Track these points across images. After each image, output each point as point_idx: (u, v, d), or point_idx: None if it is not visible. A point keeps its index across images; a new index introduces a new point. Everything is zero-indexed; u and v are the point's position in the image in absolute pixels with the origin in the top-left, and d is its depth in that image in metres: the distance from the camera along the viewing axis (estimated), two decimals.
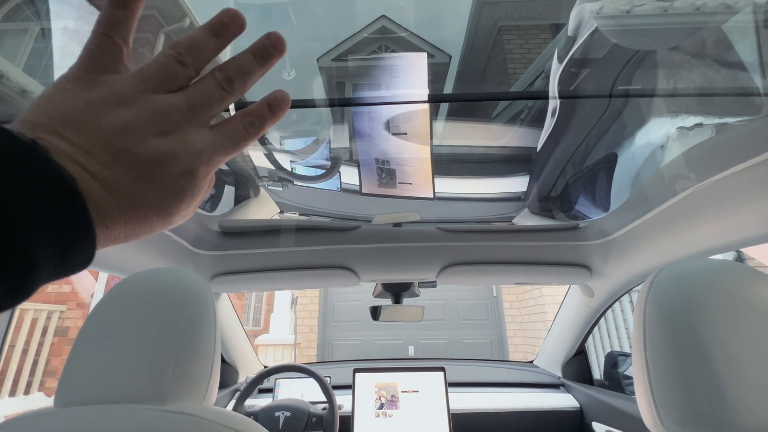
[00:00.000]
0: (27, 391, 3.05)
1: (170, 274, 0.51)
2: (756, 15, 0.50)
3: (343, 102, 0.78)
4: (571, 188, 1.05)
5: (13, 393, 2.96)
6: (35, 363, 3.16)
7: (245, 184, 1.06)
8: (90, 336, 0.45)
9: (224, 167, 0.98)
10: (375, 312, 1.18)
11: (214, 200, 1.04)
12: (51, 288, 3.49)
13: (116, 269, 0.82)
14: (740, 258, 2.55)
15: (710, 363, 0.36)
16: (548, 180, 1.03)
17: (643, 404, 0.42)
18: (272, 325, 4.64)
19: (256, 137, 0.23)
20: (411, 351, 4.75)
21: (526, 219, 1.13)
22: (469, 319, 4.85)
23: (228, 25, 0.22)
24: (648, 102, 0.75)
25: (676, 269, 0.43)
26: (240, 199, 1.08)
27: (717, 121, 0.65)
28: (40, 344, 3.21)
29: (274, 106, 0.24)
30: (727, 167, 0.59)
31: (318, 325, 4.84)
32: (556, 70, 0.66)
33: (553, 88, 0.64)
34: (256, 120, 0.23)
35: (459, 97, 0.77)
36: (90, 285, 3.46)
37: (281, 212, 1.14)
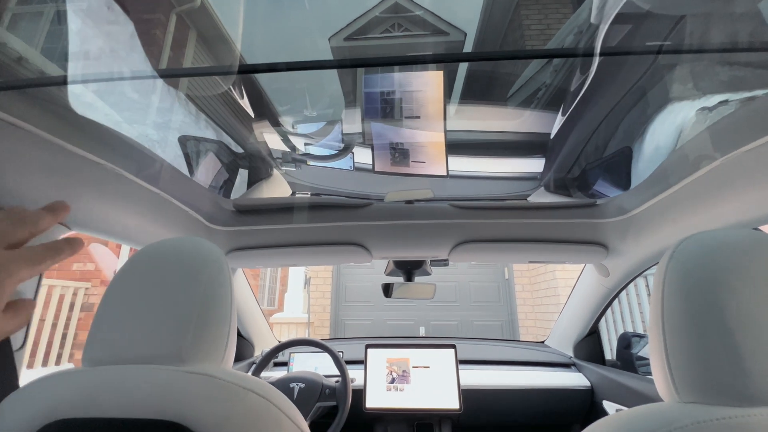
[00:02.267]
0: (58, 362, 3.23)
1: (189, 242, 0.52)
2: None
3: (355, 63, 0.75)
4: (589, 168, 1.02)
5: (45, 363, 3.14)
6: (64, 336, 3.33)
7: (259, 166, 1.07)
8: (113, 300, 0.47)
9: (239, 150, 0.99)
10: (387, 289, 1.19)
11: (228, 184, 1.06)
12: (75, 266, 3.64)
13: (136, 242, 0.85)
14: None
15: (730, 332, 0.36)
16: (566, 161, 1.00)
17: (658, 374, 0.41)
18: (286, 304, 4.75)
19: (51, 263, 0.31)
20: (422, 331, 4.82)
21: (541, 197, 1.11)
22: (480, 301, 4.87)
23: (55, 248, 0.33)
24: (672, 79, 0.71)
25: (698, 239, 0.42)
26: (254, 180, 1.09)
27: (741, 96, 0.62)
28: (68, 319, 3.37)
29: (73, 244, 0.33)
30: (749, 141, 0.57)
31: (330, 305, 4.94)
32: (599, 25, 0.62)
33: (596, 45, 0.60)
34: (53, 252, 0.32)
35: (482, 55, 0.74)
36: (112, 263, 3.59)
37: (294, 192, 1.15)
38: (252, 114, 0.90)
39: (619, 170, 0.99)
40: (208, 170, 1.03)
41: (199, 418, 0.39)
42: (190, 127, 0.91)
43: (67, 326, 3.36)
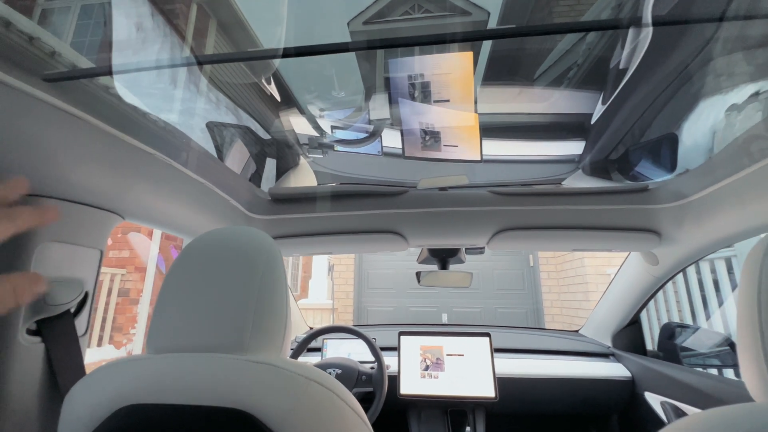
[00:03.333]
0: (99, 344, 3.42)
1: (242, 231, 0.52)
2: None
3: (372, 45, 0.73)
4: (633, 150, 0.96)
5: (87, 345, 3.33)
6: (104, 320, 3.51)
7: (287, 154, 1.06)
8: (173, 289, 0.47)
9: (266, 136, 0.99)
10: (424, 277, 1.18)
11: (257, 175, 1.06)
12: (111, 253, 3.80)
13: (180, 230, 0.86)
14: None
15: None
16: (608, 144, 0.95)
17: (753, 373, 0.38)
18: (311, 291, 4.85)
19: None
20: (444, 318, 4.82)
21: (579, 181, 1.06)
22: (504, 289, 4.81)
23: None
24: (728, 56, 0.64)
25: None
26: (284, 168, 1.09)
27: None
28: (107, 303, 3.54)
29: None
30: None
31: (354, 292, 5.00)
32: None
33: (646, 13, 0.55)
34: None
35: (516, 31, 0.69)
36: (146, 250, 3.74)
37: (325, 181, 1.14)
38: (279, 100, 0.88)
39: (669, 153, 0.93)
40: (242, 159, 1.03)
41: (264, 407, 0.38)
42: (221, 114, 0.91)
43: (106, 310, 3.54)
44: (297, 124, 0.98)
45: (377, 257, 5.14)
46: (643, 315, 1.32)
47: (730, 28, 0.60)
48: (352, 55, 0.77)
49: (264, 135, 0.99)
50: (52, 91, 0.46)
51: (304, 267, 7.69)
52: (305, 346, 1.24)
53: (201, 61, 0.68)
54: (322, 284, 4.84)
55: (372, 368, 1.21)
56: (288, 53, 0.71)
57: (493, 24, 0.72)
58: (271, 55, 0.67)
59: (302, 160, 1.10)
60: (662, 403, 1.13)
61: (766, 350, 0.36)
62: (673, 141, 0.89)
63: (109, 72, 0.53)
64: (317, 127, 1.01)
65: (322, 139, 1.05)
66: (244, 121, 0.94)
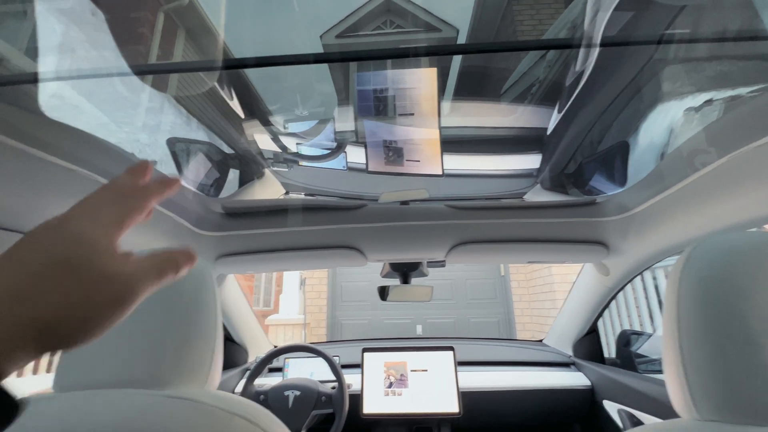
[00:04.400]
0: (35, 372, 3.16)
1: None
2: None
3: (345, 57, 0.73)
4: (587, 164, 1.00)
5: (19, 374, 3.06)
6: None
7: (250, 167, 1.03)
8: None
9: (229, 151, 0.96)
10: (383, 292, 1.16)
11: (217, 184, 1.02)
12: None
13: None
14: None
15: (754, 344, 0.33)
16: (562, 158, 0.98)
17: (675, 389, 0.38)
18: (282, 305, 4.71)
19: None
20: (419, 330, 4.81)
21: (538, 195, 1.08)
22: (476, 299, 4.86)
23: None
24: (670, 73, 0.69)
25: (714, 242, 0.39)
26: (244, 180, 1.05)
27: (727, 94, 0.60)
28: None
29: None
30: (755, 139, 0.54)
31: (327, 305, 4.90)
32: (597, 16, 0.60)
33: (596, 35, 0.58)
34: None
35: (476, 47, 0.71)
36: None
37: (287, 193, 1.11)
38: (241, 113, 0.87)
39: (617, 167, 0.97)
40: (196, 171, 0.99)
41: None
42: (177, 127, 0.87)
43: None
44: (260, 138, 0.96)
45: (351, 270, 5.09)
46: (607, 322, 1.37)
47: (671, 46, 0.64)
48: (323, 67, 0.78)
49: (223, 145, 0.96)
50: None
51: (278, 280, 7.48)
52: (263, 367, 1.19)
53: (140, 72, 0.65)
54: (293, 299, 4.72)
55: (333, 388, 1.17)
56: (248, 63, 0.69)
57: (462, 39, 0.74)
58: (210, 66, 0.65)
59: (267, 173, 1.08)
60: (619, 411, 1.15)
61: (686, 369, 0.37)
62: (622, 154, 0.93)
63: (22, 81, 0.49)
64: (280, 142, 0.99)
65: (286, 154, 1.03)
66: (195, 130, 0.91)
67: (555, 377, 1.35)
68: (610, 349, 1.46)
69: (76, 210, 0.25)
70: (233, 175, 1.05)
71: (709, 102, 0.69)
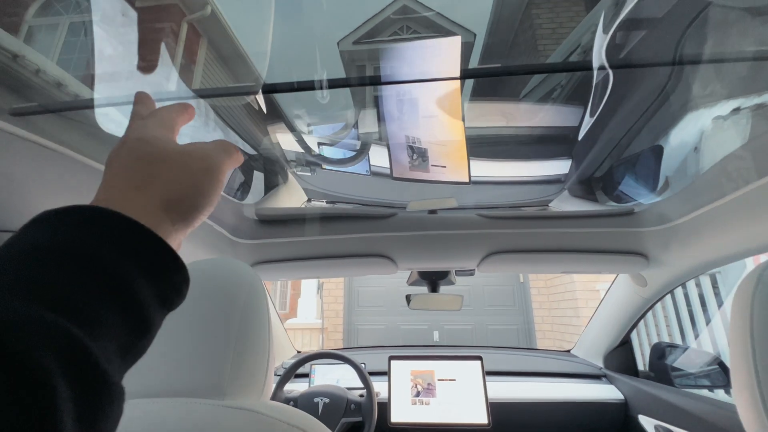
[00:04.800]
0: None
1: (221, 264, 0.49)
2: None
3: (372, 81, 0.74)
4: (617, 170, 0.97)
5: None
6: None
7: (274, 170, 1.04)
8: None
9: (252, 152, 0.98)
10: (414, 300, 1.16)
11: (245, 187, 1.04)
12: None
13: None
14: None
15: None
16: (592, 164, 0.96)
17: (748, 410, 0.37)
18: (300, 310, 4.75)
19: None
20: (436, 336, 4.76)
21: (566, 202, 1.06)
22: (494, 306, 4.79)
23: None
24: (696, 84, 0.67)
25: None
26: (270, 185, 1.07)
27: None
28: None
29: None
30: None
31: (343, 310, 4.91)
32: (602, 37, 0.59)
33: (601, 57, 0.57)
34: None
35: (491, 71, 0.71)
36: None
37: (310, 200, 1.12)
38: (265, 114, 0.88)
39: (651, 174, 0.94)
40: (230, 178, 1.01)
41: None
42: (204, 131, 0.89)
43: None
44: (284, 140, 0.97)
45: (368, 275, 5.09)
46: (635, 335, 1.32)
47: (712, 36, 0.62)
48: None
49: (250, 150, 0.98)
50: (20, 123, 0.44)
51: (294, 284, 7.55)
52: (292, 373, 1.20)
53: (183, 97, 0.67)
54: (311, 303, 4.75)
55: (361, 396, 1.17)
56: (267, 89, 0.71)
57: (479, 44, 0.74)
58: (250, 90, 0.66)
59: (290, 178, 1.09)
60: (656, 427, 1.11)
61: (761, 385, 0.36)
62: (656, 159, 0.91)
63: (87, 105, 0.52)
64: (304, 144, 1.01)
65: (309, 156, 1.04)
66: (230, 136, 0.92)
67: (586, 390, 1.31)
68: (644, 362, 1.42)
69: (150, 121, 0.30)
70: (259, 178, 1.07)
71: (736, 110, 0.66)
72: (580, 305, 3.87)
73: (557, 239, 0.94)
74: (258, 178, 1.05)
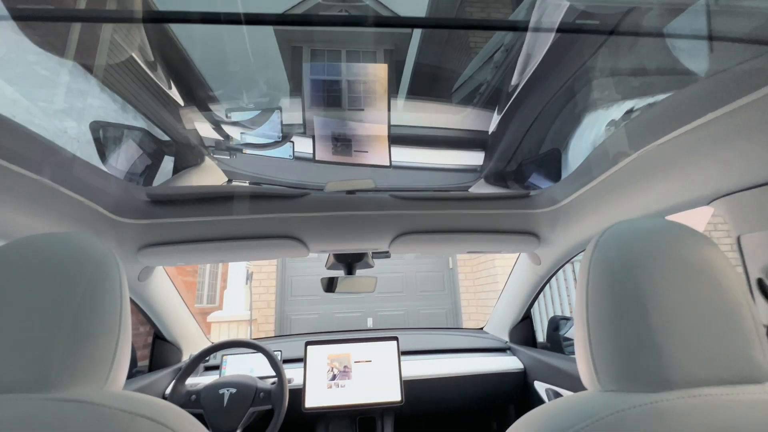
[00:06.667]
0: None
1: (63, 239, 0.42)
2: None
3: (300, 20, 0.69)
4: (525, 161, 1.05)
5: None
6: None
7: (187, 153, 0.95)
8: None
9: (165, 137, 0.88)
10: (329, 283, 1.14)
11: (150, 172, 0.93)
12: None
13: (7, 238, 0.70)
14: None
15: (647, 319, 0.36)
16: (503, 156, 1.02)
17: (582, 364, 0.41)
18: (226, 302, 4.48)
19: None
20: (369, 322, 4.83)
21: (481, 188, 1.12)
22: (426, 291, 4.99)
23: None
24: (599, 84, 0.75)
25: (618, 228, 0.42)
26: (180, 167, 0.97)
27: (646, 101, 0.67)
28: None
29: None
30: (659, 137, 0.60)
31: (275, 300, 4.75)
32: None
33: (551, 20, 0.59)
34: None
35: (437, 22, 0.71)
36: None
37: (229, 181, 1.05)
38: (179, 99, 0.80)
39: (551, 163, 1.04)
40: (119, 156, 0.89)
41: None
42: (104, 111, 0.78)
43: None
44: (200, 126, 0.89)
45: (301, 263, 4.97)
46: (542, 310, 1.46)
47: (607, 52, 0.68)
48: (275, 53, 0.74)
49: (153, 130, 0.87)
50: None
51: (223, 276, 7.10)
52: (195, 365, 1.11)
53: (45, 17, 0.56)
54: (239, 294, 4.50)
55: (273, 383, 1.13)
56: (169, 18, 0.62)
57: (416, 37, 0.75)
58: (128, 17, 0.58)
59: (205, 159, 1.00)
60: (547, 390, 1.24)
61: (591, 345, 0.39)
62: (556, 154, 0.99)
63: None
64: (222, 132, 0.93)
65: (228, 143, 0.97)
66: (128, 115, 0.82)
67: (492, 362, 1.42)
68: (544, 335, 1.57)
69: None
70: (166, 162, 0.96)
71: (630, 111, 0.75)
72: (501, 288, 4.18)
73: (461, 220, 0.99)
74: (167, 161, 0.95)
